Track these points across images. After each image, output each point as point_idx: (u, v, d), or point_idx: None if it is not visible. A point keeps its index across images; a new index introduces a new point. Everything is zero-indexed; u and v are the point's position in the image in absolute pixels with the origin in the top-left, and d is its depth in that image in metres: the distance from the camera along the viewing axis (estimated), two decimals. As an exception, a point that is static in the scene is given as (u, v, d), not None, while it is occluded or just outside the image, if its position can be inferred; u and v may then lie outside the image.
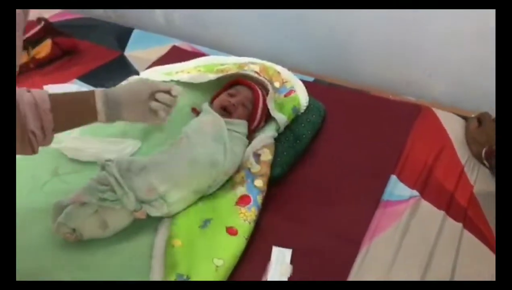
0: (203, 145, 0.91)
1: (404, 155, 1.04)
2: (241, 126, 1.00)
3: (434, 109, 1.17)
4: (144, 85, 0.81)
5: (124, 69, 1.32)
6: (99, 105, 0.76)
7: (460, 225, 0.89)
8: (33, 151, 0.72)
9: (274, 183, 0.95)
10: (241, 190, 0.90)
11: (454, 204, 0.93)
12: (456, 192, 0.95)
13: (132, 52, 1.40)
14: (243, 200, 0.89)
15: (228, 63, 1.17)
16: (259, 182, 0.91)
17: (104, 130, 1.02)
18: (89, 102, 0.76)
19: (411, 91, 1.28)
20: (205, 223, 0.86)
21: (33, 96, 0.71)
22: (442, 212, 0.91)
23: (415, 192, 0.96)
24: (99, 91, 0.77)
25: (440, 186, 0.97)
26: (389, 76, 1.33)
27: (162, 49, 1.39)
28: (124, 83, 1.04)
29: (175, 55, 1.35)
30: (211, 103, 1.06)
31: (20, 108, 0.69)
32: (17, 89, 0.72)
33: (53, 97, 0.73)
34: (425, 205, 0.93)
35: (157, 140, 1.04)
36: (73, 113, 0.77)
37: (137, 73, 1.29)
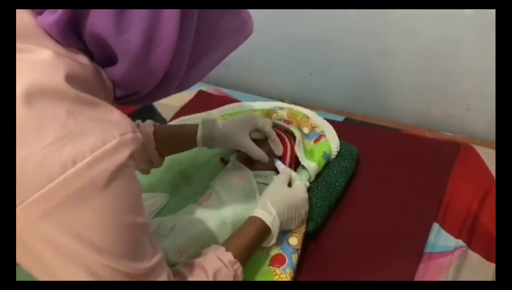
0: (232, 203, 0.88)
1: (445, 200, 0.97)
2: (270, 177, 0.96)
3: (474, 146, 1.10)
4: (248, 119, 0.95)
5: (152, 116, 1.31)
6: (199, 136, 0.93)
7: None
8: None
9: (308, 239, 0.90)
10: (274, 249, 0.86)
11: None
12: (507, 241, 0.89)
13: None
14: (277, 260, 0.84)
15: (255, 109, 1.14)
16: (294, 240, 0.86)
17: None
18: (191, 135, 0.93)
19: (448, 126, 1.22)
20: (238, 285, 0.82)
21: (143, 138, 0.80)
22: (493, 265, 0.84)
23: (461, 242, 0.89)
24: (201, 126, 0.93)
25: (489, 234, 0.90)
26: (424, 110, 1.27)
27: (188, 95, 1.38)
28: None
29: (202, 100, 1.33)
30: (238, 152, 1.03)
31: None
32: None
33: (159, 133, 0.91)
34: (473, 257, 0.86)
35: (186, 193, 1.01)
36: (176, 145, 0.96)
37: (164, 120, 1.28)
